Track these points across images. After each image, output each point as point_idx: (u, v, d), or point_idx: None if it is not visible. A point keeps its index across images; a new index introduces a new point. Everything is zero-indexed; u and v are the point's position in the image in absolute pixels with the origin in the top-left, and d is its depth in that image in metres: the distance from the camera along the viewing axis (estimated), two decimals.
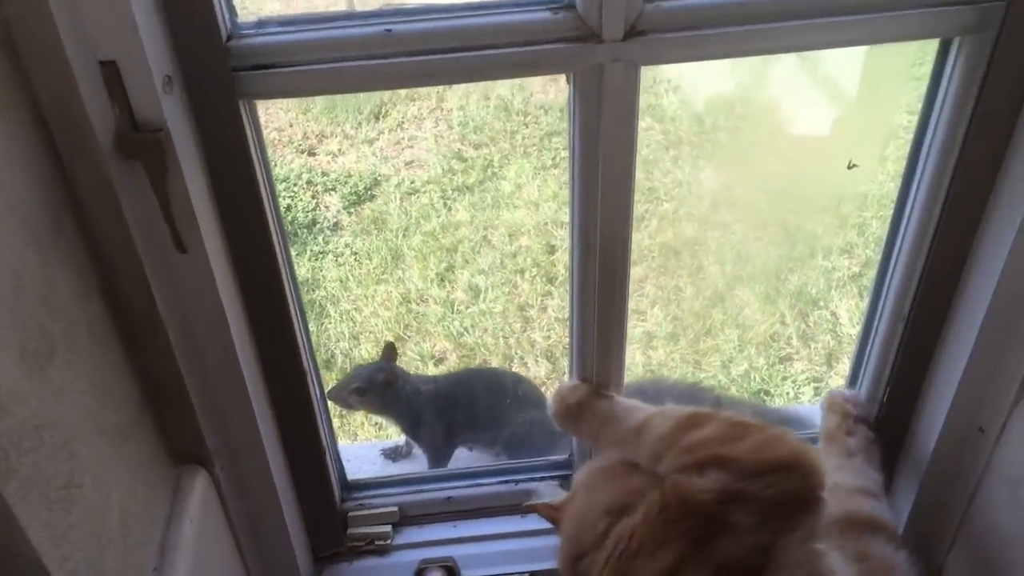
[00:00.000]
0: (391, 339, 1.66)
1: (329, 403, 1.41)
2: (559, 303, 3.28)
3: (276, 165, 3.91)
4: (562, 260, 3.33)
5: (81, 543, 0.73)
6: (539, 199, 3.83)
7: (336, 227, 3.74)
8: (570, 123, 0.96)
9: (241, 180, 0.87)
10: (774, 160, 3.74)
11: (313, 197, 3.85)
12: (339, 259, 3.56)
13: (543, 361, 3.13)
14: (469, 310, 3.31)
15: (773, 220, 3.61)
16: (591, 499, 0.96)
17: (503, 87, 4.28)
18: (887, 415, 1.20)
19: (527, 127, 4.17)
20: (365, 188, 3.81)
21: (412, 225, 3.72)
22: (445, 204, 3.78)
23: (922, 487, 1.20)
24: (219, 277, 0.87)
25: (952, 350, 1.10)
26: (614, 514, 0.90)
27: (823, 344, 3.12)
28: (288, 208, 3.63)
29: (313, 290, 3.27)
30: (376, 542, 1.25)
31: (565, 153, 3.70)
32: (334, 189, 3.84)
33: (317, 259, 3.53)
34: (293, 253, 1.01)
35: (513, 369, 2.78)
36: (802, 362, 3.09)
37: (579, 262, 1.04)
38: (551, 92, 4.29)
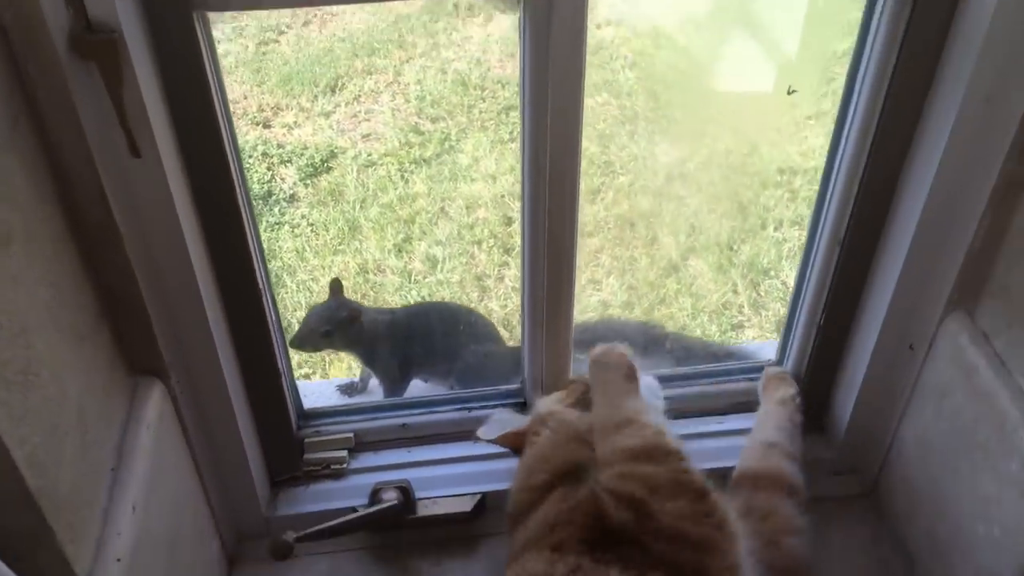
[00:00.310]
0: (338, 279, 1.67)
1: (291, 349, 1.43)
2: (515, 273, 3.31)
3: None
4: (519, 231, 3.36)
5: (39, 429, 0.75)
6: (496, 172, 3.85)
7: (292, 199, 3.74)
8: (521, 49, 1.00)
9: (195, 90, 0.89)
10: (728, 133, 3.80)
11: (269, 169, 3.84)
12: (295, 230, 3.55)
13: (501, 329, 3.17)
14: (427, 280, 3.34)
15: (726, 193, 3.69)
16: (551, 448, 1.03)
17: (461, 61, 4.28)
18: (824, 338, 1.26)
19: (484, 101, 4.18)
20: (321, 160, 3.79)
21: (369, 197, 3.72)
22: (402, 177, 3.78)
23: (856, 407, 1.26)
24: (173, 185, 0.89)
25: (884, 272, 1.15)
26: (557, 477, 0.97)
27: (773, 312, 3.19)
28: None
29: (270, 260, 3.27)
30: (332, 466, 1.28)
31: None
32: (290, 161, 3.82)
33: (273, 230, 3.52)
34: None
35: None
36: (753, 329, 3.16)
37: (529, 190, 1.08)
38: (508, 67, 4.30)
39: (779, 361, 1.36)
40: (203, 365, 1.06)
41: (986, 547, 1.05)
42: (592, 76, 4.28)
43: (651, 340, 1.69)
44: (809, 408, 1.31)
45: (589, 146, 3.76)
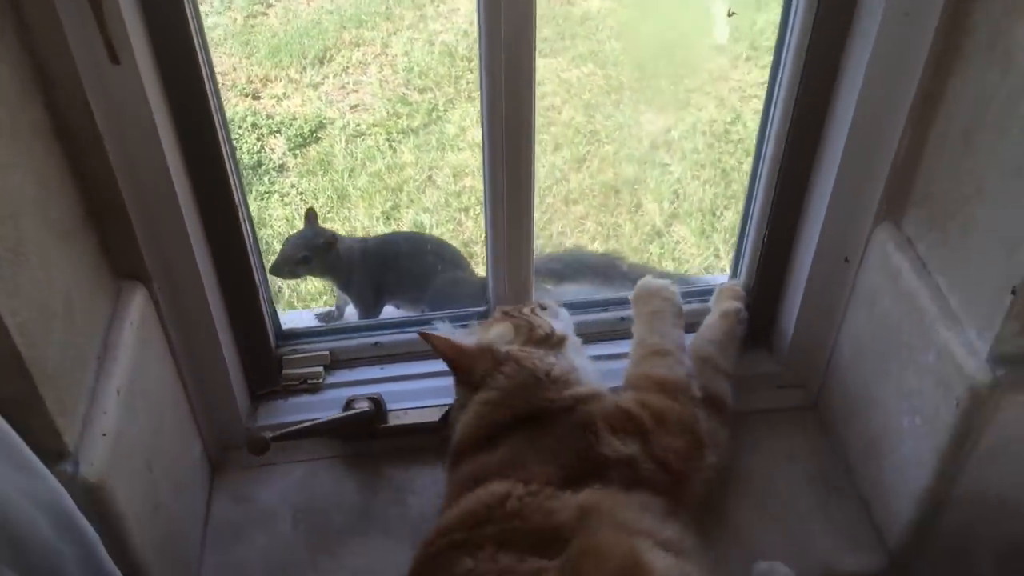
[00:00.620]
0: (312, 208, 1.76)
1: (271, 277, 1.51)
2: None
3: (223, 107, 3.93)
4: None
5: (28, 305, 0.83)
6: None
7: (282, 168, 3.79)
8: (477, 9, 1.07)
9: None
10: (712, 103, 3.87)
11: (258, 139, 3.88)
12: (285, 199, 3.61)
13: None
14: None
15: (710, 161, 3.75)
16: (516, 391, 1.12)
17: (448, 33, 4.33)
18: (767, 256, 1.34)
19: (472, 72, 4.22)
20: (310, 131, 3.84)
21: (358, 166, 3.78)
22: (390, 146, 3.83)
23: (798, 321, 1.34)
24: (150, 92, 0.96)
25: (819, 190, 1.23)
26: (519, 420, 1.10)
27: None
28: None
29: (260, 228, 3.34)
30: (309, 381, 1.36)
31: None
32: (279, 132, 3.87)
33: (263, 199, 3.58)
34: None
35: None
36: None
37: (488, 135, 1.16)
38: None
39: (736, 278, 1.44)
40: (184, 275, 1.14)
41: (910, 438, 1.14)
42: (578, 47, 4.33)
43: (612, 268, 1.78)
44: (757, 325, 1.40)
45: (575, 115, 3.82)
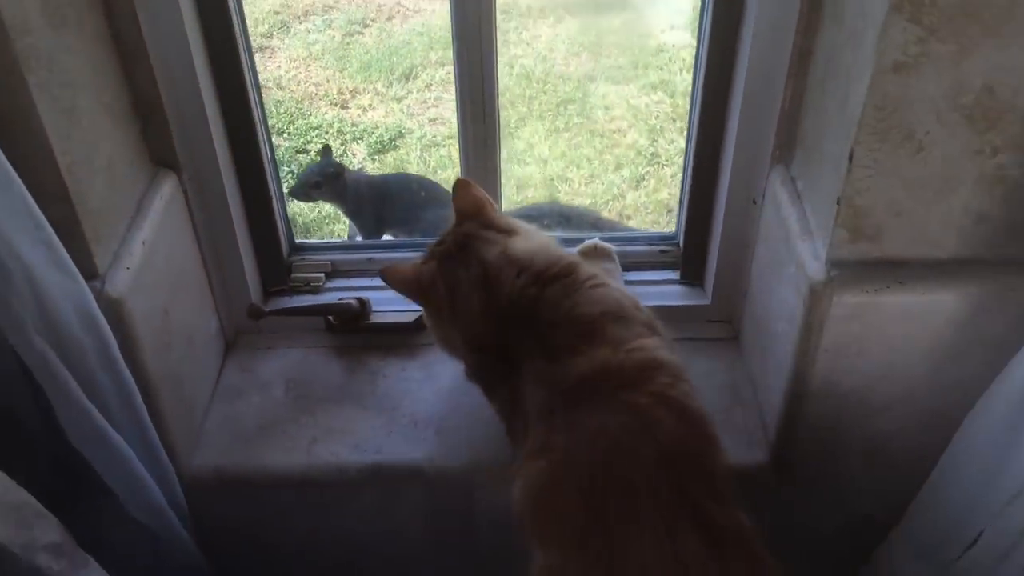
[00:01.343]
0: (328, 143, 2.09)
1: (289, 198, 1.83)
2: None
3: (311, 115, 4.34)
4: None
5: (77, 152, 1.14)
6: (548, 157, 4.17)
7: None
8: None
9: None
10: None
11: (342, 144, 4.24)
12: None
13: None
14: None
15: None
16: None
17: (528, 58, 4.61)
18: (695, 202, 1.57)
19: (545, 94, 4.50)
20: (390, 139, 4.17)
21: (429, 173, 4.10)
22: None
23: (720, 260, 1.57)
24: (186, 13, 1.28)
25: (728, 139, 1.46)
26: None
27: None
28: (316, 153, 4.06)
29: (335, 222, 3.70)
30: (311, 284, 1.66)
31: (578, 119, 4.10)
32: (361, 139, 4.22)
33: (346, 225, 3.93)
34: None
35: None
36: None
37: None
38: (572, 64, 4.62)
39: (677, 230, 1.67)
40: (209, 174, 1.44)
41: (780, 341, 1.35)
42: (650, 76, 4.57)
43: (585, 218, 2.05)
44: (694, 266, 1.63)
45: (639, 138, 4.07)
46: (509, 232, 1.27)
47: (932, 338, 1.25)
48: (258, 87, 1.47)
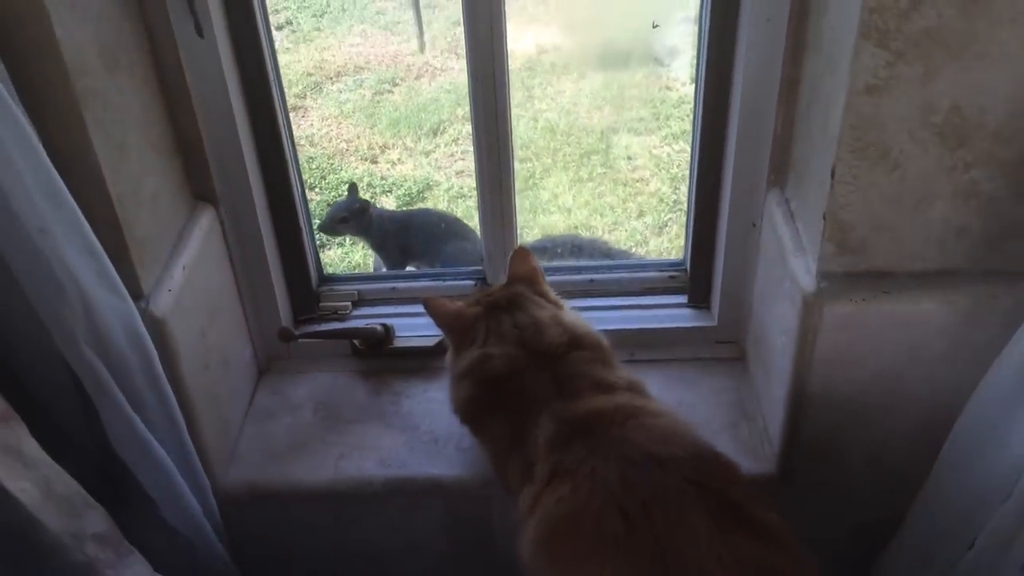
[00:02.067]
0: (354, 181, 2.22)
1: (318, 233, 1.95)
2: None
3: (342, 170, 4.50)
4: None
5: (125, 184, 1.27)
6: (572, 206, 4.27)
7: None
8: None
9: None
10: None
11: (371, 197, 4.38)
12: None
13: None
14: None
15: None
16: None
17: (552, 112, 4.74)
18: (700, 229, 1.66)
19: (569, 146, 4.62)
20: (418, 191, 4.29)
21: None
22: None
23: (724, 283, 1.65)
24: (224, 61, 1.41)
25: (728, 167, 1.56)
26: None
27: None
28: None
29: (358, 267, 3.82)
30: (339, 312, 1.77)
31: (601, 169, 4.22)
32: (390, 191, 4.36)
33: (371, 258, 4.06)
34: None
35: None
36: None
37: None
38: (595, 117, 4.75)
39: (684, 256, 1.76)
40: (244, 209, 1.56)
41: (780, 354, 1.43)
42: (672, 127, 4.67)
43: (597, 246, 2.15)
44: (698, 288, 1.72)
45: (661, 187, 4.16)
46: (557, 304, 1.42)
47: (921, 346, 1.32)
48: (290, 128, 1.60)
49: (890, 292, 1.27)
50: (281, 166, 1.60)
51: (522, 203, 4.15)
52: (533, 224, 4.16)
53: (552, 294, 1.44)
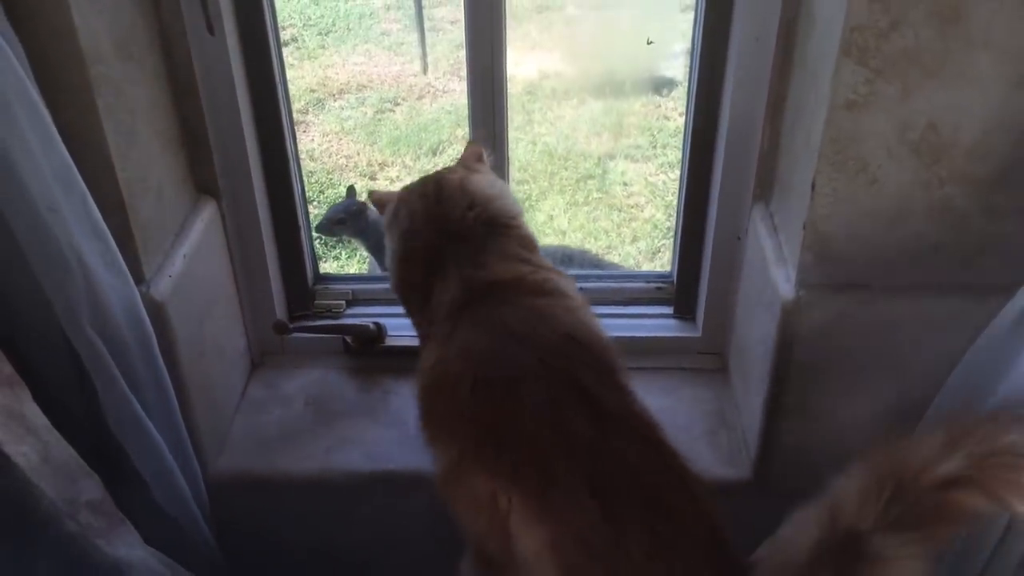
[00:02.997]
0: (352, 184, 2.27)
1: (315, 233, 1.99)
2: None
3: (340, 185, 4.55)
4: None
5: (133, 170, 1.31)
6: (568, 229, 4.32)
7: None
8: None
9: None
10: None
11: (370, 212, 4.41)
12: None
13: None
14: None
15: None
16: None
17: (551, 136, 4.80)
18: (687, 241, 1.71)
19: (567, 170, 4.67)
20: None
21: None
22: None
23: (709, 295, 1.70)
24: (233, 58, 1.46)
25: (715, 184, 1.61)
26: None
27: None
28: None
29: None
30: (332, 310, 1.81)
31: (597, 194, 4.27)
32: None
33: (367, 263, 4.11)
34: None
35: None
36: None
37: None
38: (593, 143, 4.81)
39: (671, 268, 1.81)
40: (245, 201, 1.61)
41: (759, 361, 1.47)
42: (668, 155, 4.72)
43: (587, 257, 2.20)
44: (686, 300, 1.76)
45: (656, 213, 4.21)
46: (472, 170, 1.44)
47: (895, 357, 1.36)
48: (293, 128, 1.65)
49: (866, 303, 1.32)
50: (283, 164, 1.65)
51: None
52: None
53: (475, 165, 1.47)
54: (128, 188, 1.30)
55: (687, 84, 1.62)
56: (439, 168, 1.48)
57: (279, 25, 1.54)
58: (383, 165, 4.67)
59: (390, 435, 1.62)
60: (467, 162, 1.48)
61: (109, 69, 1.23)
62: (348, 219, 2.28)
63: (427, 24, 5.35)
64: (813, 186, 1.26)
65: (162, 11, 1.37)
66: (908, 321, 1.32)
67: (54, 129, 1.13)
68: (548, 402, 1.10)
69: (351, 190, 2.31)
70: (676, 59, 4.70)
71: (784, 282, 1.36)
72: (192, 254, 1.46)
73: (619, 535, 1.02)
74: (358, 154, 4.80)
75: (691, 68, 1.59)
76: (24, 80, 1.08)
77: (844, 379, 1.38)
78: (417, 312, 1.38)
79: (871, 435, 1.41)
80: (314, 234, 1.91)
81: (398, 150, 4.74)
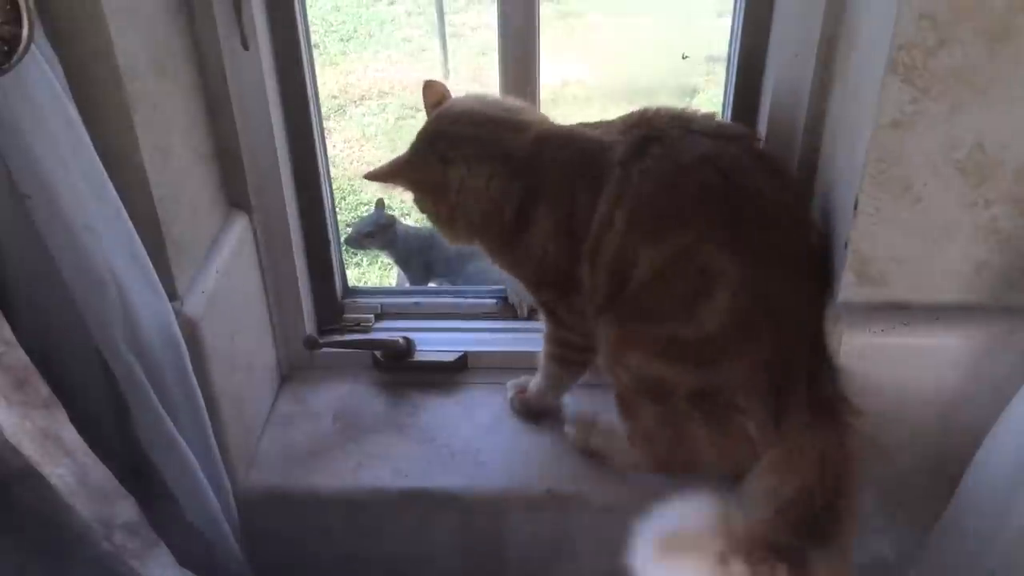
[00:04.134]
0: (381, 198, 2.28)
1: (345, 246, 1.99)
2: None
3: (362, 192, 4.55)
4: None
5: (167, 188, 1.30)
6: None
7: None
8: None
9: (286, 14, 1.46)
10: None
11: None
12: None
13: None
14: None
15: None
16: None
17: None
18: None
19: None
20: None
21: None
22: None
23: None
24: (267, 73, 1.46)
25: None
26: None
27: None
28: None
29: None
30: (362, 324, 1.80)
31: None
32: (409, 213, 4.41)
33: (385, 269, 4.12)
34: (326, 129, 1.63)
35: None
36: None
37: None
38: None
39: None
40: (276, 215, 1.60)
41: None
42: None
43: None
44: None
45: None
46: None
47: (937, 380, 1.33)
48: (324, 142, 1.64)
49: (908, 324, 1.29)
50: (314, 178, 1.64)
51: None
52: None
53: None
54: (162, 204, 1.29)
55: (722, 104, 1.60)
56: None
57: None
58: None
59: (420, 451, 1.61)
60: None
61: (145, 85, 1.23)
62: (377, 232, 2.28)
63: (448, 30, 5.36)
64: (856, 205, 1.23)
65: (197, 26, 1.36)
66: (951, 342, 1.30)
67: (92, 147, 1.12)
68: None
69: (380, 203, 2.31)
70: (699, 65, 4.68)
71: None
72: (224, 269, 1.45)
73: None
74: (379, 160, 4.77)
75: (726, 82, 1.58)
76: (63, 98, 1.07)
77: (885, 401, 1.35)
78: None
79: (912, 460, 1.40)
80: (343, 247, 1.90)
81: None
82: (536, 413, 1.64)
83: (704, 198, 1.27)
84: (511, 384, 1.68)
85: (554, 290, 1.45)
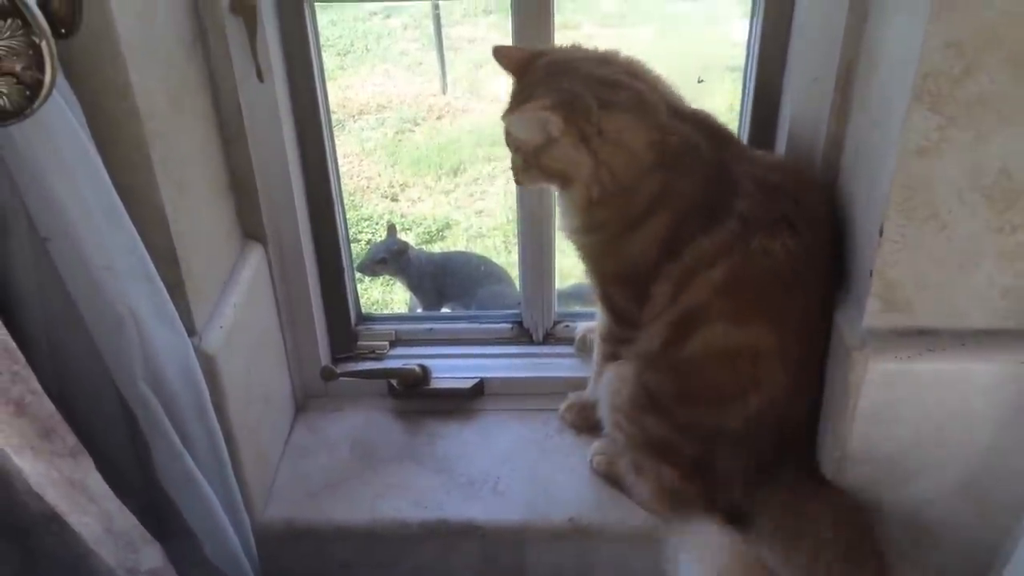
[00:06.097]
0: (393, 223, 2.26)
1: (357, 273, 1.97)
2: None
3: (363, 207, 4.52)
4: None
5: (185, 222, 1.29)
6: None
7: None
8: None
9: (300, 43, 1.45)
10: None
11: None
12: None
13: None
14: None
15: None
16: None
17: None
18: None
19: None
20: (437, 229, 4.31)
21: None
22: (506, 248, 4.27)
23: None
24: (281, 105, 1.45)
25: None
26: None
27: None
28: (368, 242, 4.21)
29: (382, 309, 3.84)
30: (376, 351, 1.78)
31: None
32: (410, 229, 4.39)
33: (388, 285, 4.10)
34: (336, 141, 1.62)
35: None
36: None
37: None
38: None
39: None
40: (291, 245, 1.59)
41: (828, 412, 1.44)
42: None
43: None
44: None
45: None
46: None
47: (963, 406, 1.33)
48: (338, 175, 1.63)
49: (934, 350, 1.28)
50: (328, 207, 1.63)
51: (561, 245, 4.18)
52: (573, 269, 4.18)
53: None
54: (180, 239, 1.28)
55: (738, 125, 1.59)
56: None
57: None
58: (404, 186, 4.65)
59: (438, 481, 1.60)
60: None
61: (163, 122, 1.21)
62: (390, 259, 2.28)
63: (446, 43, 5.35)
64: (881, 232, 1.22)
65: (212, 61, 1.35)
66: (978, 368, 1.29)
67: (111, 186, 1.11)
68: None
69: (392, 229, 2.31)
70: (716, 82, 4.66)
71: (849, 328, 1.33)
72: (241, 302, 1.44)
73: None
74: (379, 175, 4.78)
75: (743, 104, 1.57)
76: (83, 139, 1.06)
77: (910, 427, 1.34)
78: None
79: (938, 486, 1.39)
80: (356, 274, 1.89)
81: (419, 170, 4.72)
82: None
83: (785, 305, 1.36)
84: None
85: (628, 289, 1.44)
